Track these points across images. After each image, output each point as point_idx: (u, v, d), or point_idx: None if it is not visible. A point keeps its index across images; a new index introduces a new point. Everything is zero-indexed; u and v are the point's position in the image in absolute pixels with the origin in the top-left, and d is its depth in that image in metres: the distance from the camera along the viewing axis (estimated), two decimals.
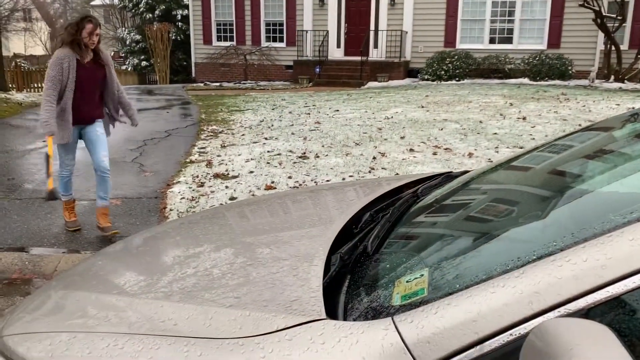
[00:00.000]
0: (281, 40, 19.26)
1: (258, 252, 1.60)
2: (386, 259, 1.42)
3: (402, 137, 7.74)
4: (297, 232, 1.73)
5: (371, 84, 16.58)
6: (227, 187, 5.55)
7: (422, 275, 1.19)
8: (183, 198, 5.26)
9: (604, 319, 0.92)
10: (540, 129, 7.95)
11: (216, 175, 6.01)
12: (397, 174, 5.91)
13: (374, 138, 7.78)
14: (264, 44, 19.26)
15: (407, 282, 1.20)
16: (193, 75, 20.42)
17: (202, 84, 18.89)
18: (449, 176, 2.34)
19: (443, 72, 16.37)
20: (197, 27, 20.10)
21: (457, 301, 1.00)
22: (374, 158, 6.61)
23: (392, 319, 1.04)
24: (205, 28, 19.96)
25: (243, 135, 8.41)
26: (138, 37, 24.99)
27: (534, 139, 7.33)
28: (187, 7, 21.00)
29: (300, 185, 5.55)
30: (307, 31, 18.39)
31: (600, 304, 0.91)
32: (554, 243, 1.03)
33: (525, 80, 15.44)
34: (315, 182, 5.64)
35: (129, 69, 26.07)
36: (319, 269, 1.37)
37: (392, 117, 9.52)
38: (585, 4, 14.61)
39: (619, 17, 15.17)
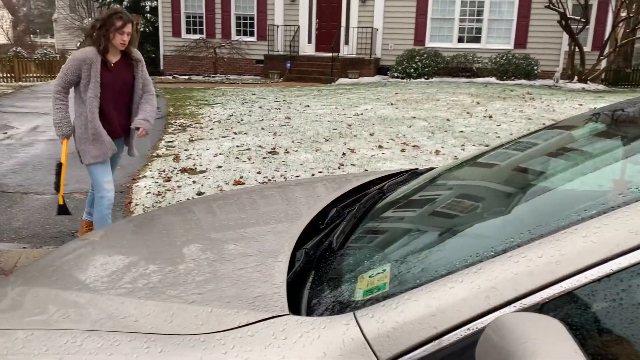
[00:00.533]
0: (252, 34, 19.13)
1: (224, 248, 1.60)
2: (350, 254, 1.43)
3: (371, 134, 7.79)
4: (263, 227, 1.73)
5: (342, 80, 16.63)
6: (194, 182, 5.49)
7: (384, 270, 1.21)
8: (149, 193, 5.18)
9: (558, 313, 0.94)
10: (505, 128, 8.11)
11: (183, 170, 5.94)
12: (366, 170, 5.95)
13: (344, 134, 7.81)
14: (234, 37, 19.10)
15: (369, 277, 1.21)
16: (161, 68, 20.09)
17: (170, 77, 18.62)
18: (414, 173, 2.37)
19: (412, 70, 16.53)
20: (166, 20, 19.79)
21: (417, 296, 1.02)
22: (344, 154, 6.64)
23: (354, 314, 1.05)
24: (174, 20, 19.66)
25: (212, 129, 8.33)
26: None
27: (499, 137, 7.47)
28: None
29: (269, 180, 5.54)
30: (278, 26, 18.31)
31: (554, 299, 0.93)
32: (512, 239, 1.06)
33: (493, 80, 15.72)
34: (284, 177, 5.63)
35: None
36: (284, 264, 1.37)
37: (362, 113, 9.57)
38: (551, 6, 14.96)
39: (582, 20, 15.59)
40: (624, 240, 0.92)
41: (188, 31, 19.73)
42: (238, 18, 19.23)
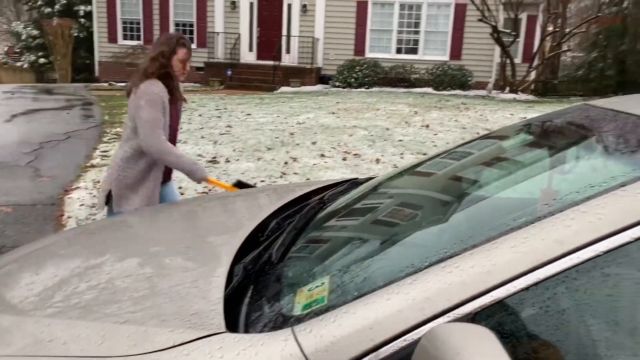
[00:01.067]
0: (191, 41, 18.79)
1: (161, 263, 1.55)
2: (290, 267, 1.43)
3: (313, 143, 7.83)
4: (202, 241, 1.70)
5: (284, 88, 16.64)
6: None
7: (323, 283, 1.21)
8: (83, 205, 4.98)
9: (489, 321, 0.97)
10: (442, 137, 8.36)
11: None
12: (309, 178, 5.97)
13: (286, 143, 7.81)
14: None
15: (308, 290, 1.21)
16: (97, 74, 19.40)
17: (106, 84, 18.00)
18: (354, 182, 2.40)
19: (353, 80, 16.77)
20: (101, 25, 19.15)
21: (354, 309, 1.02)
22: (286, 163, 6.63)
23: (292, 329, 1.04)
24: (110, 26, 19.06)
25: None
26: (35, 32, 23.34)
27: (436, 145, 7.69)
28: (90, 2, 19.94)
29: (209, 190, 5.44)
30: (218, 33, 18.11)
31: (485, 308, 0.96)
32: (445, 250, 1.09)
33: (429, 90, 16.19)
34: None
35: (24, 66, 24.26)
36: (221, 280, 1.34)
37: (304, 122, 9.60)
38: (484, 19, 15.60)
39: (513, 33, 16.34)
40: (549, 250, 0.97)
41: (125, 37, 19.17)
42: (177, 24, 18.88)
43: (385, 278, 1.09)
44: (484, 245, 1.02)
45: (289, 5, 17.98)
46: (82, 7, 21.44)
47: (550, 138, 1.63)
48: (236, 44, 17.79)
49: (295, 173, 6.18)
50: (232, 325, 1.17)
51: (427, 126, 9.25)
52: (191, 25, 18.75)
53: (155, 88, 2.77)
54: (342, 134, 8.50)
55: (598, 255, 0.95)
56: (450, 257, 1.04)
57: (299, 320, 1.08)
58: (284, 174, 6.13)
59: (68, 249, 1.90)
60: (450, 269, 1.01)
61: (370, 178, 2.47)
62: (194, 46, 18.39)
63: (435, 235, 1.28)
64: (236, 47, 17.76)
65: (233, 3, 18.08)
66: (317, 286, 1.20)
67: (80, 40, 21.00)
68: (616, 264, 0.96)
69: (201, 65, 18.25)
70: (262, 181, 5.79)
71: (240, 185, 2.91)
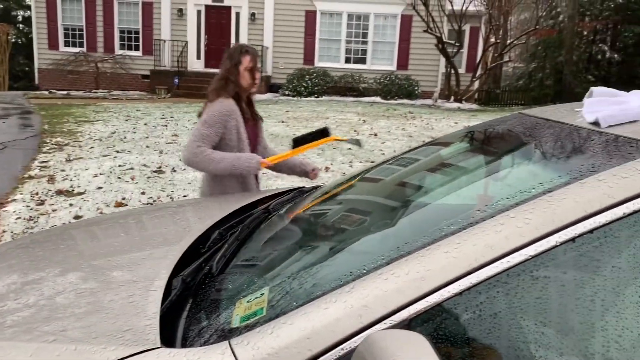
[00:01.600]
0: (137, 48, 18.42)
1: (96, 278, 1.49)
2: (230, 279, 1.40)
3: None
4: (140, 254, 1.64)
5: None
6: (71, 204, 5.12)
7: (262, 294, 1.19)
8: (19, 218, 4.75)
9: (424, 327, 0.99)
10: (389, 145, 8.50)
11: (59, 192, 5.52)
12: None
13: None
14: (118, 51, 18.26)
15: (247, 302, 1.19)
16: (37, 82, 18.66)
17: (47, 92, 17.33)
18: (301, 191, 2.39)
19: (303, 89, 16.85)
20: (41, 31, 18.44)
21: (292, 319, 1.01)
22: None
23: (229, 342, 1.02)
24: (50, 32, 18.39)
25: (92, 148, 7.85)
26: None
27: (383, 154, 7.80)
28: (29, 7, 19.19)
29: (154, 201, 5.31)
30: (165, 41, 17.81)
31: (420, 314, 0.97)
32: (382, 257, 1.09)
33: (378, 99, 16.46)
34: (171, 197, 5.44)
35: None
36: (158, 293, 1.30)
37: None
38: (429, 31, 16.03)
39: (457, 44, 16.87)
40: (481, 255, 0.99)
41: (67, 44, 18.54)
42: (122, 32, 18.44)
43: (324, 287, 1.09)
44: (419, 251, 1.04)
45: (237, 14, 17.90)
46: (21, 12, 20.64)
47: (484, 146, 1.68)
48: (183, 51, 17.53)
49: None
50: (168, 340, 1.14)
51: (376, 134, 9.38)
52: (137, 33, 18.36)
53: (218, 106, 2.66)
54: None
55: (527, 260, 0.98)
56: (387, 263, 1.05)
57: (237, 333, 1.06)
58: None
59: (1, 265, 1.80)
60: (387, 276, 1.02)
61: (317, 187, 2.48)
62: (138, 54, 18.12)
63: (374, 243, 1.29)
64: (183, 55, 17.51)
65: (180, 10, 17.84)
66: (256, 297, 1.19)
67: (18, 46, 20.19)
68: (544, 267, 0.99)
69: (147, 73, 17.89)
70: None
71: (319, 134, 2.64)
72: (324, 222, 1.64)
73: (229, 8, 17.89)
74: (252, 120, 2.84)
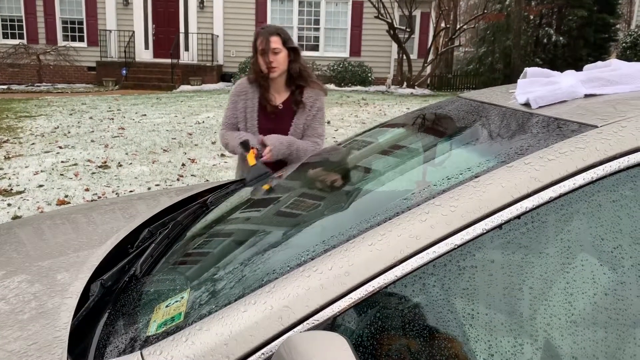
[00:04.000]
0: (81, 39, 17.73)
1: (3, 287, 1.37)
2: (153, 282, 1.31)
3: (213, 142, 7.62)
4: (58, 259, 1.53)
5: (183, 87, 16.14)
6: (9, 204, 4.86)
7: (182, 297, 1.11)
8: None
9: (349, 324, 0.93)
10: (342, 132, 8.46)
11: None
12: (207, 180, 5.78)
13: (184, 144, 7.54)
14: (61, 43, 17.52)
15: (166, 307, 1.11)
16: None
17: None
18: (242, 183, 2.31)
19: None
20: None
21: (209, 325, 0.94)
22: (183, 165, 6.39)
23: (141, 352, 0.94)
24: None
25: (33, 144, 7.49)
26: None
27: (336, 141, 7.77)
28: None
29: (99, 197, 5.11)
30: (111, 31, 17.21)
31: (344, 311, 0.92)
32: (307, 252, 1.03)
33: (332, 86, 16.41)
34: (116, 193, 5.24)
35: None
36: (72, 301, 1.20)
37: (203, 121, 9.34)
38: (380, 17, 16.05)
39: (408, 30, 16.96)
40: (406, 246, 0.94)
41: (5, 35, 17.67)
42: (65, 22, 17.70)
43: (244, 288, 1.02)
44: (343, 245, 0.98)
45: (186, 2, 17.46)
46: None
47: (417, 132, 1.64)
48: (130, 41, 16.98)
49: (193, 175, 5.96)
50: (80, 353, 1.05)
51: (329, 122, 9.33)
52: (80, 23, 17.67)
53: (233, 87, 2.69)
54: None
55: (453, 249, 0.93)
56: (311, 259, 0.99)
57: (151, 341, 0.98)
58: (181, 176, 5.90)
59: None
60: (309, 273, 0.95)
61: (259, 176, 2.40)
62: (83, 45, 17.46)
63: (301, 237, 1.22)
64: (131, 45, 16.97)
65: None
66: (175, 302, 1.11)
67: None
68: (471, 256, 0.95)
69: (93, 65, 17.28)
70: (157, 185, 5.53)
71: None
72: (256, 218, 1.57)
73: None
74: (281, 110, 2.55)
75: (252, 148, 2.44)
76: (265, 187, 2.00)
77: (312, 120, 2.59)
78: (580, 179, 0.96)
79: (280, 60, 2.46)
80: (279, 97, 2.56)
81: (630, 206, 0.97)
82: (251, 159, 2.38)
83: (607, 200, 0.97)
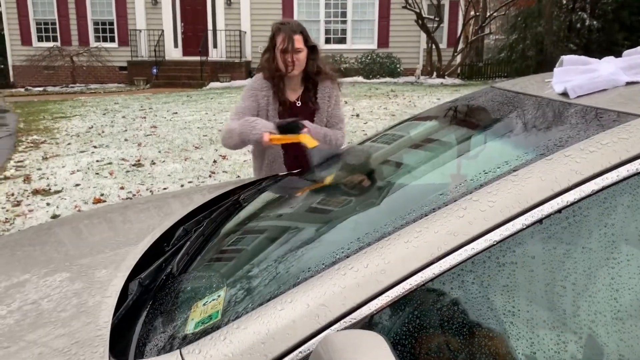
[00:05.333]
0: (112, 40, 18.06)
1: (45, 286, 1.40)
2: (190, 280, 1.33)
3: None
4: (97, 257, 1.56)
5: (213, 84, 16.28)
6: (48, 204, 5.00)
7: (219, 296, 1.12)
8: None
9: (386, 323, 0.92)
10: (372, 125, 8.41)
11: (36, 192, 5.39)
12: (239, 176, 5.83)
13: (215, 140, 7.61)
14: (93, 44, 17.89)
15: (204, 305, 1.12)
16: (11, 80, 18.24)
17: (22, 89, 16.99)
18: (274, 180, 2.31)
19: None
20: (12, 27, 17.98)
21: (246, 323, 0.94)
22: (215, 161, 6.45)
23: (180, 351, 0.95)
24: (22, 27, 17.94)
25: (69, 144, 7.68)
26: None
27: (366, 134, 7.72)
28: None
29: (134, 195, 5.21)
30: (140, 30, 17.47)
31: (381, 309, 0.91)
32: (342, 250, 1.03)
33: (360, 79, 16.31)
34: (150, 191, 5.33)
35: None
36: (112, 300, 1.23)
37: None
38: (407, 7, 15.85)
39: (436, 19, 16.71)
40: (443, 243, 0.92)
41: (40, 39, 18.12)
42: (96, 23, 18.05)
43: (280, 286, 1.02)
44: (379, 242, 0.97)
45: None
46: None
47: (452, 124, 1.61)
48: (160, 40, 17.22)
49: (224, 171, 6.02)
50: (121, 351, 1.07)
51: (358, 115, 9.28)
52: (111, 24, 17.99)
53: (250, 80, 2.57)
54: None
55: (492, 245, 0.91)
56: (346, 257, 0.98)
57: (190, 340, 0.99)
58: (213, 173, 5.96)
59: None
60: (345, 271, 0.95)
61: (291, 173, 2.40)
62: (114, 45, 17.77)
63: (336, 235, 1.22)
64: (160, 43, 17.20)
65: None
66: (212, 300, 1.12)
67: None
68: (511, 252, 0.92)
69: (124, 64, 17.58)
70: (190, 182, 5.60)
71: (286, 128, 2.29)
72: (289, 215, 1.57)
73: None
74: (299, 107, 2.51)
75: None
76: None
77: (332, 110, 2.59)
78: (624, 171, 0.93)
79: (301, 60, 2.44)
80: (294, 93, 2.55)
81: None
82: (310, 140, 2.17)
83: None
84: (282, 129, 2.29)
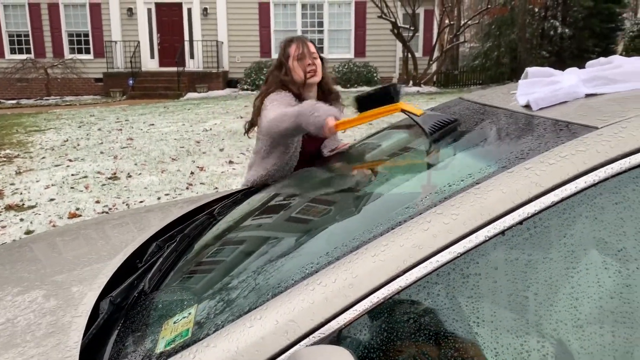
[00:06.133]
0: (88, 51, 17.89)
1: (15, 307, 1.39)
2: (162, 297, 1.32)
3: (221, 150, 7.65)
4: (67, 275, 1.54)
5: (190, 95, 16.22)
6: (22, 219, 4.92)
7: (189, 314, 1.12)
8: None
9: (355, 337, 0.93)
10: (349, 134, 8.44)
11: (8, 207, 5.30)
12: (217, 188, 5.81)
13: (192, 152, 7.57)
14: (68, 56, 17.70)
15: (174, 323, 1.12)
16: None
17: None
18: (249, 192, 2.32)
19: (262, 82, 16.64)
20: None
21: (215, 341, 0.94)
22: (192, 173, 6.42)
23: None
24: None
25: (43, 158, 7.57)
26: None
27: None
28: None
29: (110, 209, 5.15)
30: (116, 42, 17.35)
31: (349, 324, 0.92)
32: (311, 265, 1.04)
33: (338, 87, 16.34)
34: (127, 204, 5.28)
35: None
36: (82, 320, 1.22)
37: (210, 128, 9.37)
38: (383, 16, 16.02)
39: (412, 28, 16.93)
40: (409, 256, 0.94)
41: (13, 51, 17.87)
42: (71, 35, 17.87)
43: (250, 303, 1.02)
44: (347, 256, 0.98)
45: (189, 10, 17.56)
46: None
47: (419, 137, 1.64)
48: (136, 51, 17.11)
49: (202, 183, 5.99)
50: None
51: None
52: (86, 35, 17.83)
53: (274, 95, 2.31)
54: (251, 139, 8.36)
55: (456, 257, 0.93)
56: (315, 272, 0.99)
57: (160, 359, 0.99)
58: (190, 185, 5.93)
59: None
60: (313, 286, 0.96)
61: (267, 185, 2.40)
62: (90, 57, 17.61)
63: (304, 250, 1.23)
64: (136, 55, 17.09)
65: (130, 10, 17.38)
66: (183, 317, 1.11)
67: None
68: (474, 263, 0.95)
69: (100, 76, 17.42)
70: (167, 195, 5.56)
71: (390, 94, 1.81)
72: (257, 230, 1.58)
73: (180, 5, 17.53)
74: None
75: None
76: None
77: None
78: (582, 182, 0.96)
79: (319, 65, 2.34)
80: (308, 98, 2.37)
81: (633, 208, 0.96)
82: (415, 109, 1.69)
83: (610, 203, 0.96)
84: (365, 101, 1.88)
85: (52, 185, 6.06)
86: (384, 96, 1.84)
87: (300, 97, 2.33)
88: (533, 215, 0.95)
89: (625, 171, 0.96)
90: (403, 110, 1.72)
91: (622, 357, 0.92)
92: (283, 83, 2.34)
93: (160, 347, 1.05)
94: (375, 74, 17.08)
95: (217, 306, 1.11)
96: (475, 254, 0.94)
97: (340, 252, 1.02)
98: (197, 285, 1.33)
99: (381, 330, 0.94)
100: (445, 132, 1.46)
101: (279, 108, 2.20)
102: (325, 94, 2.44)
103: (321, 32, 17.75)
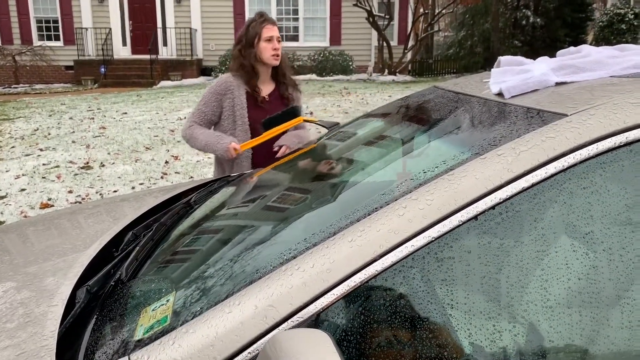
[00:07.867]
0: (57, 38, 17.46)
1: None
2: (139, 285, 1.32)
3: None
4: (43, 265, 1.53)
5: (164, 83, 15.99)
6: None
7: (168, 300, 1.13)
8: None
9: (333, 320, 0.95)
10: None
11: None
12: (192, 177, 5.77)
13: (167, 141, 7.49)
14: (36, 43, 17.24)
15: (152, 310, 1.12)
16: None
17: None
18: (226, 180, 2.31)
19: None
20: None
21: (194, 327, 0.95)
22: (167, 162, 6.36)
23: (129, 357, 0.95)
24: None
25: (13, 147, 7.40)
26: None
27: (320, 133, 7.77)
28: None
29: (83, 199, 5.07)
30: (87, 29, 16.97)
31: (327, 308, 0.94)
32: (289, 251, 1.05)
33: (314, 76, 16.37)
34: (100, 194, 5.21)
35: None
36: (58, 309, 1.21)
37: (185, 117, 9.27)
38: (358, 4, 16.01)
39: (387, 16, 16.95)
40: (385, 241, 0.96)
41: None
42: (39, 21, 17.40)
43: (229, 289, 1.03)
44: (324, 242, 1.00)
45: None
46: None
47: (394, 125, 1.66)
48: (108, 39, 16.76)
49: (177, 172, 5.94)
50: None
51: (311, 113, 9.32)
52: (56, 22, 17.39)
53: (215, 82, 2.59)
54: None
55: (431, 242, 0.96)
56: (293, 258, 1.01)
57: (139, 346, 0.99)
58: (165, 174, 5.87)
59: None
60: (292, 272, 0.97)
61: (242, 174, 2.40)
62: (60, 44, 17.20)
63: (283, 236, 1.24)
64: (108, 42, 16.75)
65: None
66: (161, 305, 1.12)
67: None
68: (448, 247, 0.97)
69: (70, 64, 17.04)
70: (141, 184, 5.50)
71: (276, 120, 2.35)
72: (239, 216, 1.58)
73: None
74: (273, 103, 2.57)
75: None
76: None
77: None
78: (552, 168, 0.99)
79: (280, 49, 2.54)
80: (265, 89, 2.59)
81: (599, 193, 1.00)
82: (313, 118, 2.36)
83: (578, 188, 1.00)
84: (271, 122, 2.36)
85: (23, 175, 5.94)
86: (288, 116, 2.31)
87: (257, 75, 2.54)
88: (505, 200, 0.98)
89: (592, 157, 0.99)
90: (305, 120, 2.21)
91: (589, 335, 0.96)
92: (248, 59, 2.51)
93: (139, 334, 1.05)
94: (351, 63, 17.09)
95: (195, 293, 1.12)
96: (449, 238, 0.96)
97: (318, 238, 1.04)
98: (175, 273, 1.33)
99: (358, 313, 0.96)
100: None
101: (192, 126, 2.55)
102: (279, 77, 2.61)
103: (296, 19, 17.65)
